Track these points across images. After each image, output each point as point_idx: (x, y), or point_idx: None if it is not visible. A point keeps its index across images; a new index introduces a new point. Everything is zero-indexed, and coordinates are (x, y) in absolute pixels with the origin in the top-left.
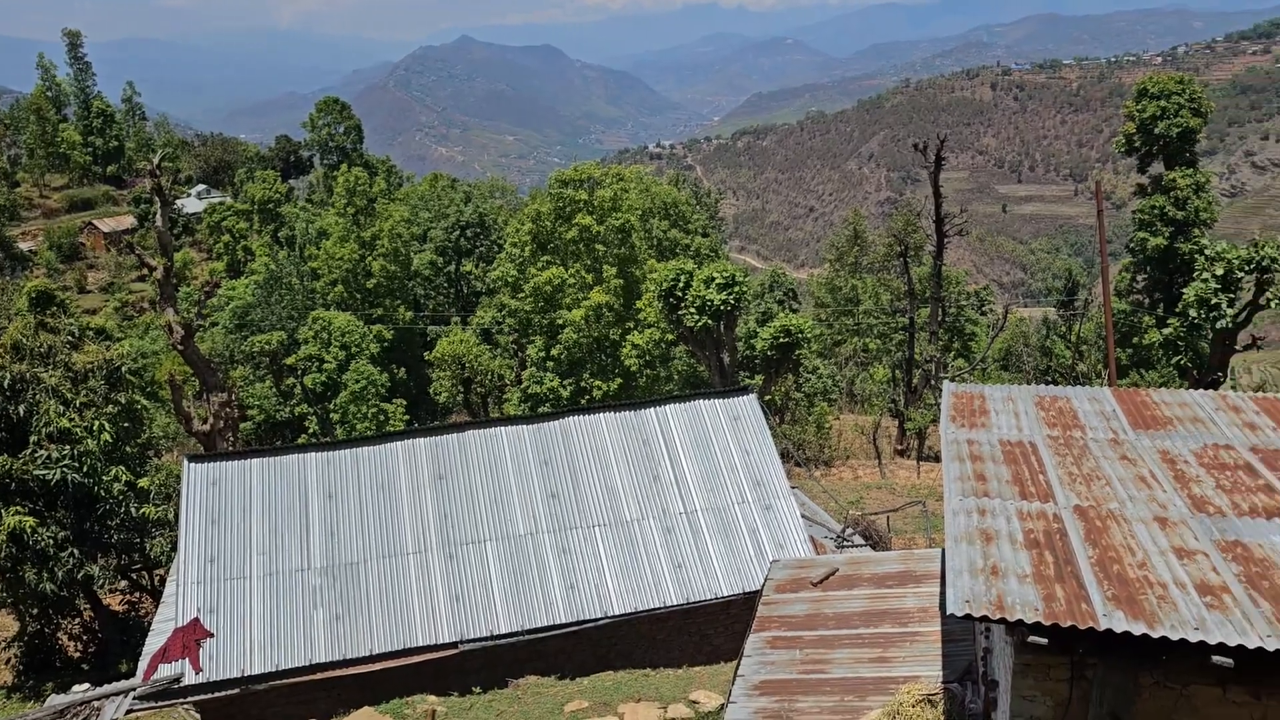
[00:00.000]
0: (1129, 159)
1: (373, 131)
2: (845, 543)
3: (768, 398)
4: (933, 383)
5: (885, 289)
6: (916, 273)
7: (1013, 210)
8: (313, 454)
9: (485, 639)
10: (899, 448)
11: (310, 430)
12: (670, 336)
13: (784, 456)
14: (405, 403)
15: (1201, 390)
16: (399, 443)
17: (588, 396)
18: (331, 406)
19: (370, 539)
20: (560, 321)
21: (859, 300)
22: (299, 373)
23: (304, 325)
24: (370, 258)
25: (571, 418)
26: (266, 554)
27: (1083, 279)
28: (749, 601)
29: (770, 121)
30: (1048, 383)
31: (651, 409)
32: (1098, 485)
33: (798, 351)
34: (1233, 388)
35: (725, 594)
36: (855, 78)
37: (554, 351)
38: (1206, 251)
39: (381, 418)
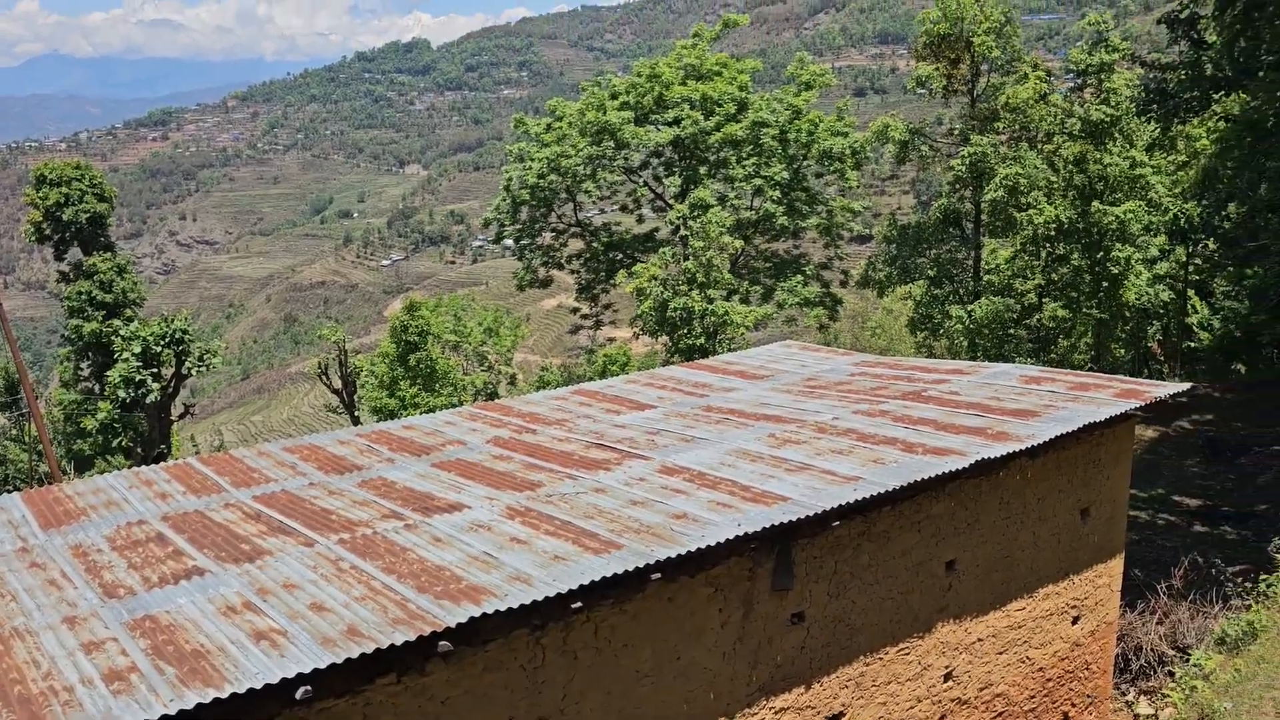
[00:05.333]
0: (45, 247)
1: None
2: None
3: None
4: None
5: None
6: None
7: None
8: None
9: None
10: None
11: None
12: None
13: None
14: None
15: (119, 472)
16: None
17: None
18: None
19: None
20: None
21: None
22: None
23: None
24: None
25: None
26: None
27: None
28: None
29: None
30: (7, 492)
31: None
32: (3, 604)
33: None
34: (185, 456)
35: None
36: None
37: None
38: (121, 333)
39: None
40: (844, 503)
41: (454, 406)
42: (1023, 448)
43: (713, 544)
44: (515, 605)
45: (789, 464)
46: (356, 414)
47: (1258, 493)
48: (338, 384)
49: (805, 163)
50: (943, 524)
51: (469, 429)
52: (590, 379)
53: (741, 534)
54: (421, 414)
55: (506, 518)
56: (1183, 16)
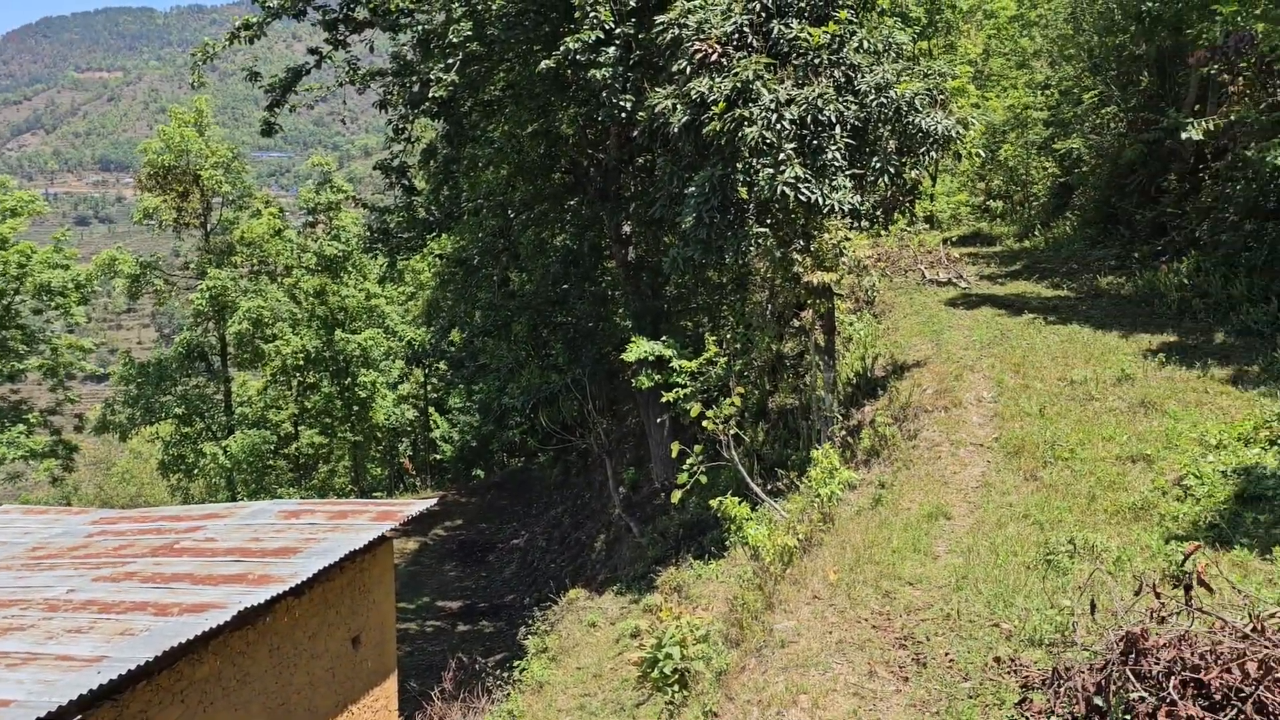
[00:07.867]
0: None
1: None
2: None
3: None
4: None
5: None
6: None
7: None
8: None
9: None
10: None
11: None
12: None
13: None
14: None
15: None
16: None
17: None
18: None
19: None
20: None
21: None
22: None
23: None
24: None
25: None
26: None
27: None
28: None
29: None
30: None
31: None
32: None
33: None
34: None
35: None
36: None
37: None
38: None
39: None
40: (85, 691)
41: None
42: (287, 588)
43: None
44: None
45: (11, 657)
46: None
47: (505, 585)
48: None
49: (19, 298)
50: (210, 687)
51: None
52: None
53: None
54: None
55: None
56: (394, 165)
